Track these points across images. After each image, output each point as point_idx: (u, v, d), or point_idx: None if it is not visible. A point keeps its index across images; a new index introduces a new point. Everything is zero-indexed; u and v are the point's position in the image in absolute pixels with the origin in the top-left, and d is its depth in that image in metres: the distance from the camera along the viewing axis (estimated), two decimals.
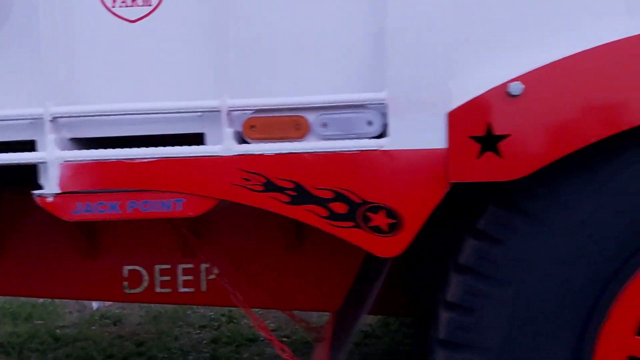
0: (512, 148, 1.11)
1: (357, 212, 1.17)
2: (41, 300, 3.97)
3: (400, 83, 1.14)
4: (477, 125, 1.11)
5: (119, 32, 1.16)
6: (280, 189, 1.17)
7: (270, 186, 1.17)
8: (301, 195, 1.16)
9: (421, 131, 1.14)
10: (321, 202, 1.16)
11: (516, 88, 1.10)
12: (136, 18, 1.21)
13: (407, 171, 1.15)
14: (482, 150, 1.12)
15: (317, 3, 1.18)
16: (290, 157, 1.16)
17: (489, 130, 1.12)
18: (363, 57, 1.15)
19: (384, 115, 1.15)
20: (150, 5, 1.19)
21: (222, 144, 1.17)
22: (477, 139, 1.12)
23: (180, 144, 1.25)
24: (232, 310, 3.63)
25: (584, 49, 1.08)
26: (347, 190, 1.16)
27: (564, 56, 1.08)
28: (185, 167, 1.18)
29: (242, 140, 1.20)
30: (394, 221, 1.16)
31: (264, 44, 1.17)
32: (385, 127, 1.16)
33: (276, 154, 1.16)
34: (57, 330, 3.53)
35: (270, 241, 1.90)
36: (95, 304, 4.23)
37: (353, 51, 1.16)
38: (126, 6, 1.21)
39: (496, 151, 1.12)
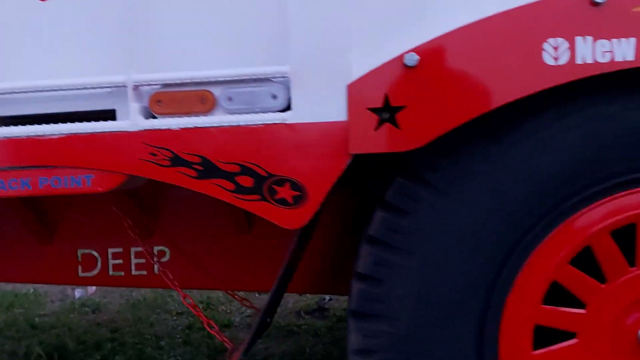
0: (409, 119, 1.12)
1: (263, 185, 1.19)
2: (24, 289, 4.04)
3: (302, 56, 1.16)
4: (375, 97, 1.12)
5: (26, 9, 1.19)
6: (187, 164, 1.18)
7: (177, 161, 1.19)
8: (208, 170, 1.18)
9: (323, 104, 1.15)
10: (228, 176, 1.18)
11: (411, 59, 1.11)
12: None
13: (310, 144, 1.16)
14: (381, 122, 1.13)
15: None
16: (196, 131, 1.18)
17: (386, 101, 1.13)
18: (267, 31, 1.17)
19: (287, 88, 1.18)
20: None
21: (129, 120, 1.21)
22: (375, 110, 1.13)
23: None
24: (211, 297, 3.67)
25: (477, 20, 1.09)
26: (253, 163, 1.18)
27: (458, 27, 1.10)
28: (94, 143, 1.20)
29: (150, 116, 1.23)
30: (298, 193, 1.18)
31: (169, 18, 1.18)
32: (289, 100, 1.19)
33: (182, 128, 1.18)
34: (36, 319, 3.58)
35: (221, 223, 1.93)
36: (77, 293, 4.29)
37: (257, 24, 1.17)
38: None
39: (394, 122, 1.13)
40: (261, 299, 3.24)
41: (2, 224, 1.97)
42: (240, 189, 1.18)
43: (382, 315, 1.23)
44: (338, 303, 3.43)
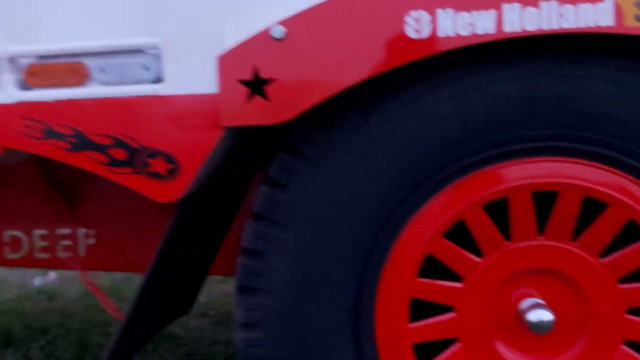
0: (279, 91, 1.11)
1: (136, 158, 1.18)
2: None
3: (173, 27, 1.15)
4: (244, 69, 1.11)
5: None
6: (60, 136, 1.18)
7: (50, 133, 1.18)
8: (81, 142, 1.17)
9: (195, 76, 1.15)
10: (101, 148, 1.17)
11: (278, 31, 1.10)
12: None
13: (182, 116, 1.16)
14: (251, 94, 1.13)
15: None
16: (68, 103, 1.17)
17: (256, 74, 1.13)
18: (139, 1, 1.16)
19: (160, 60, 1.18)
20: None
21: (4, 92, 1.20)
22: (245, 83, 1.12)
23: None
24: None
25: None
26: (126, 136, 1.17)
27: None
28: None
29: (26, 88, 1.22)
30: (172, 166, 1.17)
31: None
32: (162, 72, 1.18)
33: (55, 100, 1.18)
34: None
35: (146, 205, 1.92)
36: (36, 281, 4.28)
37: None
38: None
39: (264, 95, 1.13)
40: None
41: None
42: (113, 162, 1.17)
43: (262, 288, 1.22)
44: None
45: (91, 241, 2.03)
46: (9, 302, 3.85)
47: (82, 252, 2.02)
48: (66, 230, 1.99)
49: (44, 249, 2.04)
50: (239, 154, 1.39)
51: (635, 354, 1.22)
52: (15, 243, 2.04)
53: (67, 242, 2.02)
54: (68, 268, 2.20)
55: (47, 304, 3.79)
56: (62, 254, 2.05)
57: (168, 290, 1.63)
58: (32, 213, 1.97)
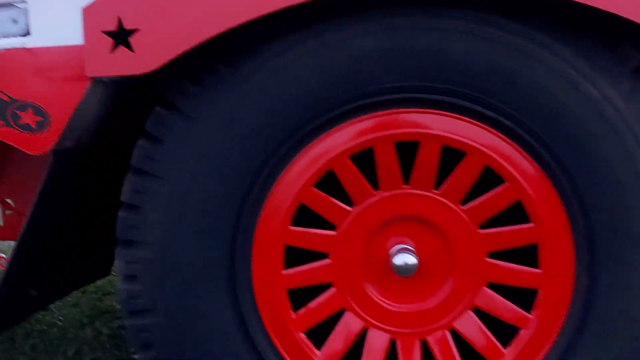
0: (143, 42, 1.13)
1: (7, 110, 1.19)
2: None
3: None
4: (109, 20, 1.13)
5: None
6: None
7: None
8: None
9: (62, 28, 1.16)
10: None
11: None
12: None
13: (50, 69, 1.17)
14: (115, 45, 1.15)
15: None
16: None
17: (120, 24, 1.14)
18: None
19: (27, 13, 1.19)
20: None
21: None
22: (109, 33, 1.14)
23: None
24: None
25: None
26: None
27: None
28: None
29: None
30: (41, 119, 1.19)
31: None
32: (28, 28, 1.20)
33: None
34: None
35: None
36: None
37: None
38: None
39: (128, 45, 1.15)
40: None
41: None
42: None
43: (139, 240, 1.25)
44: None
45: (8, 212, 2.05)
46: None
47: (0, 222, 2.04)
48: None
49: None
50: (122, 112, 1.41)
51: (497, 296, 1.30)
52: None
53: None
54: None
55: None
56: None
57: (60, 246, 1.63)
58: None
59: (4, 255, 1.83)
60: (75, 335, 2.74)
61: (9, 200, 2.05)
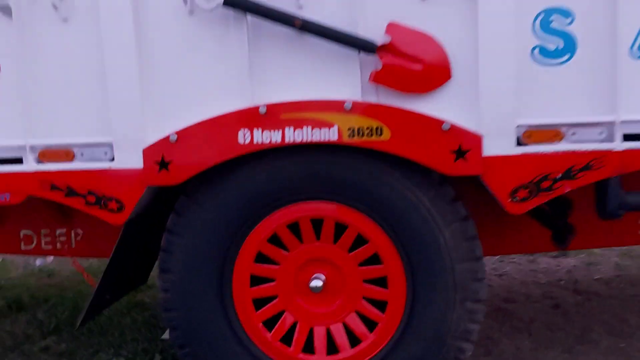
0: (174, 168, 2.15)
1: (101, 200, 2.15)
2: None
3: (119, 128, 2.15)
4: (157, 156, 2.15)
5: None
6: (56, 188, 2.15)
7: (70, 192, 2.16)
8: (70, 192, 2.15)
9: (135, 158, 2.17)
10: (83, 196, 2.17)
11: (173, 137, 2.13)
12: None
13: (126, 179, 2.17)
14: (160, 169, 2.12)
15: None
16: (77, 172, 2.16)
17: (163, 158, 2.12)
18: (92, 105, 2.16)
19: (112, 148, 2.16)
20: None
21: (28, 164, 2.15)
22: (157, 163, 2.14)
23: None
24: None
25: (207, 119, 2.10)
26: (95, 190, 2.15)
27: (197, 122, 2.10)
28: (9, 177, 2.17)
29: (39, 162, 2.19)
30: (119, 206, 2.17)
31: (45, 107, 2.17)
32: (114, 157, 2.19)
33: (59, 170, 2.14)
34: (2, 281, 4.54)
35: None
36: (38, 262, 5.24)
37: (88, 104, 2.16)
38: None
39: (167, 169, 2.12)
40: None
41: None
42: (88, 203, 2.15)
43: (169, 269, 2.27)
44: None
45: (79, 238, 3.01)
46: (17, 278, 4.85)
47: (73, 245, 3.01)
48: (62, 230, 2.97)
49: (47, 243, 3.01)
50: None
51: (369, 305, 2.23)
52: (28, 239, 3.01)
53: (63, 238, 3.00)
54: (63, 255, 3.18)
55: (47, 280, 4.82)
56: (59, 246, 3.03)
57: (124, 270, 2.60)
58: (39, 219, 2.94)
59: (90, 276, 2.78)
60: (118, 321, 3.74)
61: (79, 230, 3.03)
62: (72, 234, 3.05)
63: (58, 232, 3.06)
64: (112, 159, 2.20)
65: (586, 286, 4.10)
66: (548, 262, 4.74)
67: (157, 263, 2.59)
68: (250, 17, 2.06)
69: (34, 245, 3.09)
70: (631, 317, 3.38)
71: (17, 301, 4.06)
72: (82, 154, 2.20)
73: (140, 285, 3.26)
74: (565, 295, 3.90)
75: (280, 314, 2.31)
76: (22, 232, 3.08)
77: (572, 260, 4.73)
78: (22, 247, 3.09)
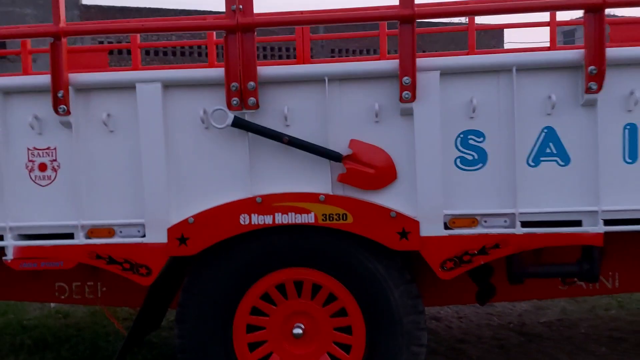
0: (191, 243, 2.83)
1: (134, 266, 2.78)
2: (13, 301, 5.51)
3: (150, 213, 2.81)
4: (178, 234, 2.83)
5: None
6: (100, 258, 2.78)
7: (111, 260, 2.78)
8: (110, 260, 2.79)
9: (161, 235, 2.83)
10: (120, 263, 2.80)
11: (190, 220, 2.80)
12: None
13: (154, 251, 2.82)
14: (180, 243, 2.78)
15: None
16: (114, 246, 2.78)
17: (183, 235, 2.78)
18: (128, 194, 2.80)
19: (145, 227, 2.79)
20: None
21: (79, 239, 2.79)
22: (178, 239, 2.80)
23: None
24: None
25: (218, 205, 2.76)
26: (130, 259, 2.80)
27: (210, 208, 2.74)
28: (62, 249, 2.79)
29: (88, 238, 2.82)
30: (148, 271, 2.81)
31: (95, 194, 2.80)
32: (145, 234, 2.80)
33: (92, 244, 2.79)
34: (25, 322, 5.09)
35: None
36: (52, 304, 5.80)
37: (126, 195, 2.80)
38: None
39: (185, 244, 2.79)
40: None
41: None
42: (124, 269, 2.80)
43: (184, 319, 2.95)
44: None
45: (104, 289, 3.63)
46: (37, 319, 5.40)
47: (99, 294, 3.62)
48: (91, 283, 3.60)
49: (77, 293, 3.63)
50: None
51: (338, 348, 2.87)
52: (62, 289, 3.63)
53: (91, 289, 3.62)
54: (92, 304, 3.79)
55: (64, 321, 5.37)
56: (88, 296, 3.64)
57: (146, 319, 3.22)
58: (71, 273, 3.56)
59: (120, 324, 3.40)
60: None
61: (104, 283, 3.65)
62: (99, 286, 3.68)
63: (87, 283, 3.69)
64: (144, 236, 2.91)
65: (531, 328, 4.75)
66: (504, 306, 5.39)
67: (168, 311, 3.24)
68: (250, 134, 2.82)
69: (66, 294, 3.71)
70: (562, 357, 4.03)
71: (42, 340, 4.64)
72: (120, 232, 2.90)
73: (155, 330, 3.88)
74: (511, 336, 4.56)
75: (269, 355, 2.99)
76: (57, 284, 3.71)
77: (524, 305, 5.38)
78: (57, 295, 3.71)
